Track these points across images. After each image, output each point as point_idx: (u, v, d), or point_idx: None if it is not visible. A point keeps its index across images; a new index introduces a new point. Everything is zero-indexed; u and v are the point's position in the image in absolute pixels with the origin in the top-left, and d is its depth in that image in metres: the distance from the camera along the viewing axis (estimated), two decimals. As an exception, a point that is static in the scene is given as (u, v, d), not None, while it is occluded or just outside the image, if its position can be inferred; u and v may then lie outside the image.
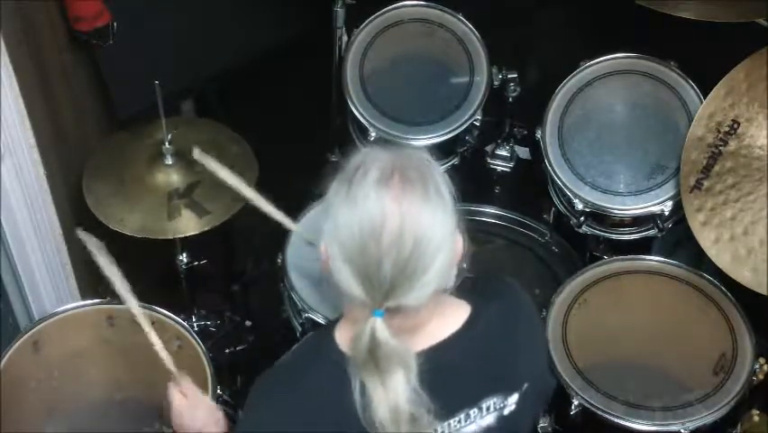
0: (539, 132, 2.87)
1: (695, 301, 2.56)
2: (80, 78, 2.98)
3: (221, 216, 2.69)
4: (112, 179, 2.76)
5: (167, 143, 2.74)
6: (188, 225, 2.69)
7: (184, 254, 2.90)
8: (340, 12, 3.11)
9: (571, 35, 3.48)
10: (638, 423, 2.34)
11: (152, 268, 3.08)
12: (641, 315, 2.58)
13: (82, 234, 2.30)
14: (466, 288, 1.76)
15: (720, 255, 2.54)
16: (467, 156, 2.98)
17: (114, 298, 2.31)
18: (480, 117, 2.93)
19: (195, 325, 3.05)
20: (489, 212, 2.94)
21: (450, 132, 2.89)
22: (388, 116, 2.92)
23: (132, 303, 2.25)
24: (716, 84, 2.67)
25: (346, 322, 1.76)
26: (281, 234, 2.70)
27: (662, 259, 2.66)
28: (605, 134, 2.87)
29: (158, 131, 2.76)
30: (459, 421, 1.75)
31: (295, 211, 2.64)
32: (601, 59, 2.93)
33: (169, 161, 2.76)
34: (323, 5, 3.13)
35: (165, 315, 2.54)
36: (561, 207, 2.89)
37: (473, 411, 1.76)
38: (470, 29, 3.04)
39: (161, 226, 2.68)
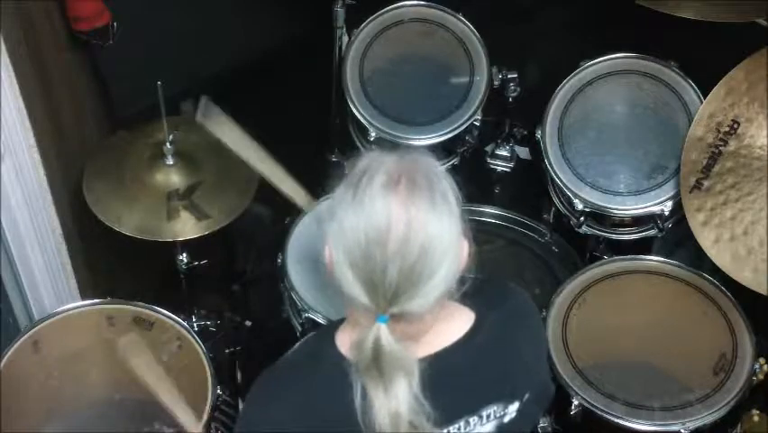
0: (539, 132, 2.87)
1: (695, 301, 2.56)
2: (80, 77, 2.98)
3: (221, 221, 2.68)
4: (112, 179, 2.76)
5: (168, 143, 2.74)
6: (187, 228, 2.68)
7: (184, 254, 2.89)
8: (340, 12, 3.10)
9: (571, 35, 3.48)
10: (638, 423, 2.35)
11: (152, 268, 3.09)
12: (641, 315, 2.58)
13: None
14: (469, 292, 1.74)
15: (720, 255, 2.54)
16: (467, 156, 2.98)
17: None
18: (480, 117, 2.92)
19: (195, 325, 3.04)
20: (489, 212, 2.94)
21: (450, 132, 2.89)
22: (388, 116, 2.92)
23: None
24: (716, 84, 2.67)
25: (348, 325, 1.75)
26: (281, 235, 2.70)
27: (662, 259, 2.66)
28: (605, 134, 2.86)
29: (158, 131, 2.75)
30: (458, 429, 1.74)
31: (295, 211, 2.65)
32: (601, 59, 2.93)
33: (170, 161, 2.75)
34: (323, 5, 3.12)
35: (165, 315, 2.54)
36: (561, 207, 2.88)
37: (473, 419, 1.75)
38: (470, 29, 3.04)
39: (160, 227, 2.67)
